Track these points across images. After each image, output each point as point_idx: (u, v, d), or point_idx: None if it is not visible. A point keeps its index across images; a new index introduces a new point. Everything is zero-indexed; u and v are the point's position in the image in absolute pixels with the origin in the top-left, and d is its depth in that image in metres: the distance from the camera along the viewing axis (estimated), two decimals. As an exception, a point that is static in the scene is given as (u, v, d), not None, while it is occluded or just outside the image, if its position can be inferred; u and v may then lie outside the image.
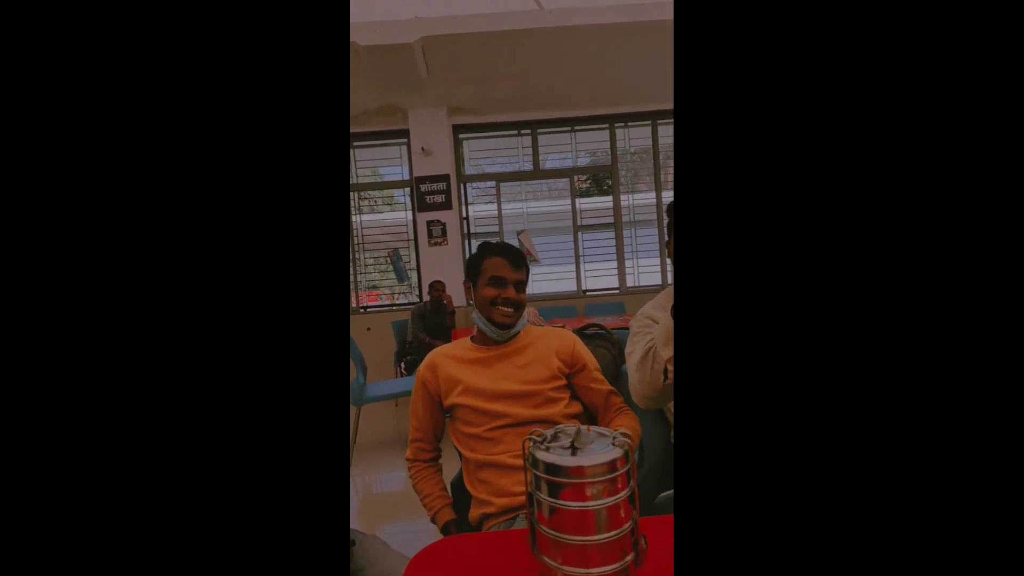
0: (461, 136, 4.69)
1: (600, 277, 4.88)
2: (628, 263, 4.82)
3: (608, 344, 1.82)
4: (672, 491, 1.13)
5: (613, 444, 0.54)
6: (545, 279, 4.86)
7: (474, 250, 1.50)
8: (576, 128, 4.80)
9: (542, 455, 0.54)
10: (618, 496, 0.52)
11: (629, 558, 0.53)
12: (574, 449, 0.54)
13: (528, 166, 4.80)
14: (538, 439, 0.57)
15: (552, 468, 0.53)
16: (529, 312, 2.75)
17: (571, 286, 4.84)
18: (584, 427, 0.58)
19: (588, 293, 4.84)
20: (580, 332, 1.93)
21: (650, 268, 4.85)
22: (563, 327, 1.43)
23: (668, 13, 3.36)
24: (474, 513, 1.05)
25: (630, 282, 4.83)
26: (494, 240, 2.06)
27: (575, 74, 3.97)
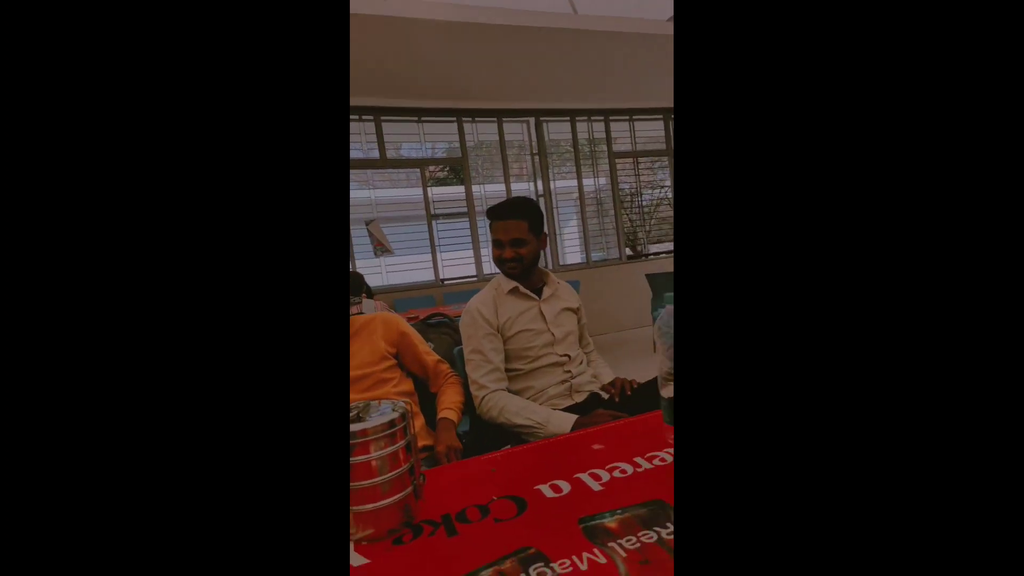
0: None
1: (458, 266, 4.99)
2: (484, 252, 4.98)
3: (450, 331, 2.05)
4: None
5: (393, 410, 0.73)
6: (401, 269, 4.85)
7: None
8: (423, 119, 4.87)
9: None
10: (396, 445, 0.71)
11: (408, 490, 0.72)
12: (359, 419, 0.72)
13: (374, 154, 4.76)
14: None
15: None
16: (377, 306, 2.80)
17: (429, 275, 4.92)
18: (375, 402, 0.76)
19: (446, 282, 4.95)
20: (424, 322, 2.12)
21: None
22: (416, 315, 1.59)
23: (509, 18, 3.59)
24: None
25: (487, 269, 5.03)
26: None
27: (423, 64, 4.06)
